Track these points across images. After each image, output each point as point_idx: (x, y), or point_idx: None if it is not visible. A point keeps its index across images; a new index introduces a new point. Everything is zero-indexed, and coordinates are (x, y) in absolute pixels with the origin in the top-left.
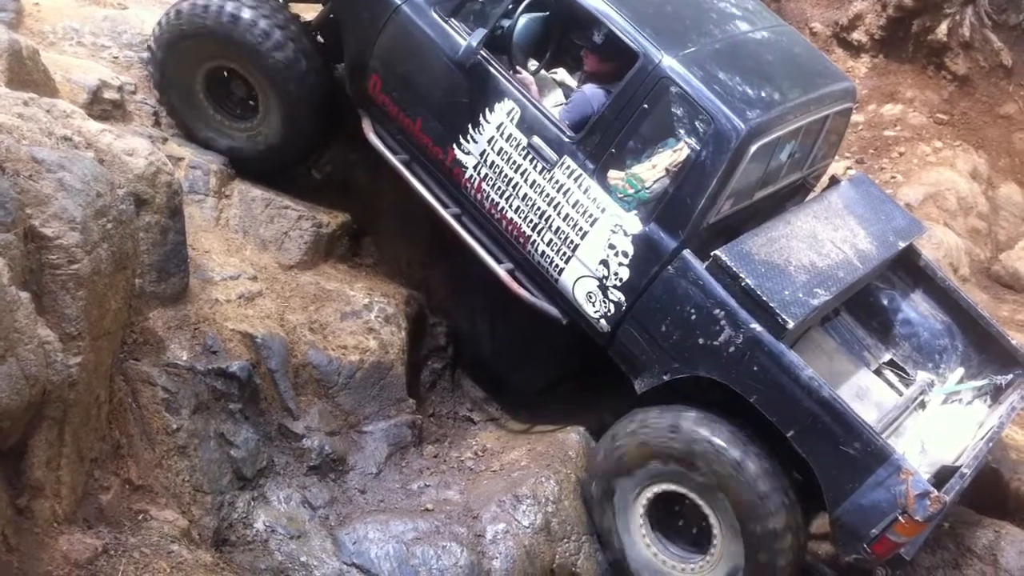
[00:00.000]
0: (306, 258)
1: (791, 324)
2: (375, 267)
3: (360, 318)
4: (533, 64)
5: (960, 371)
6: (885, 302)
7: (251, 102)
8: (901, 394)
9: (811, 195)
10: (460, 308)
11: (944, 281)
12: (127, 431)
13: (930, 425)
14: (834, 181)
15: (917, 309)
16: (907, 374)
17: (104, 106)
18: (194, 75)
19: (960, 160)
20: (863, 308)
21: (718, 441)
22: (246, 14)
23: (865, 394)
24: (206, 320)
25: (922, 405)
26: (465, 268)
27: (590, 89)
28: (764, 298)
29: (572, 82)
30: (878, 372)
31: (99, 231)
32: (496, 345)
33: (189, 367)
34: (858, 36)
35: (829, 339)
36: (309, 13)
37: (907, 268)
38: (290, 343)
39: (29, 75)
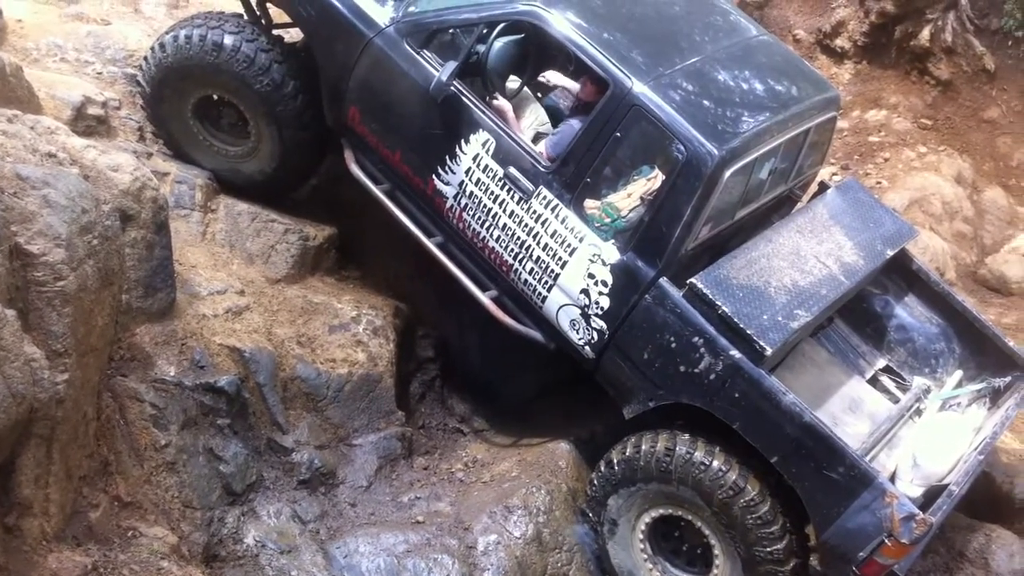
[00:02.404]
0: (293, 271)
1: (769, 351)
2: (362, 280)
3: (348, 331)
4: (515, 82)
5: (958, 374)
6: (879, 308)
7: (240, 124)
8: (897, 402)
9: (800, 204)
10: (448, 319)
11: (938, 285)
12: (115, 448)
13: (924, 435)
14: (823, 188)
15: (912, 314)
16: (903, 380)
17: (88, 122)
18: (185, 105)
19: (945, 165)
20: (857, 315)
21: (717, 464)
22: (228, 40)
23: (858, 405)
24: (193, 335)
25: (918, 412)
26: (452, 280)
27: (576, 122)
28: (741, 325)
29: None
30: (874, 379)
31: (84, 247)
32: (485, 355)
33: (177, 382)
34: (841, 42)
35: (821, 350)
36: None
37: (900, 272)
38: (278, 357)
39: (12, 92)
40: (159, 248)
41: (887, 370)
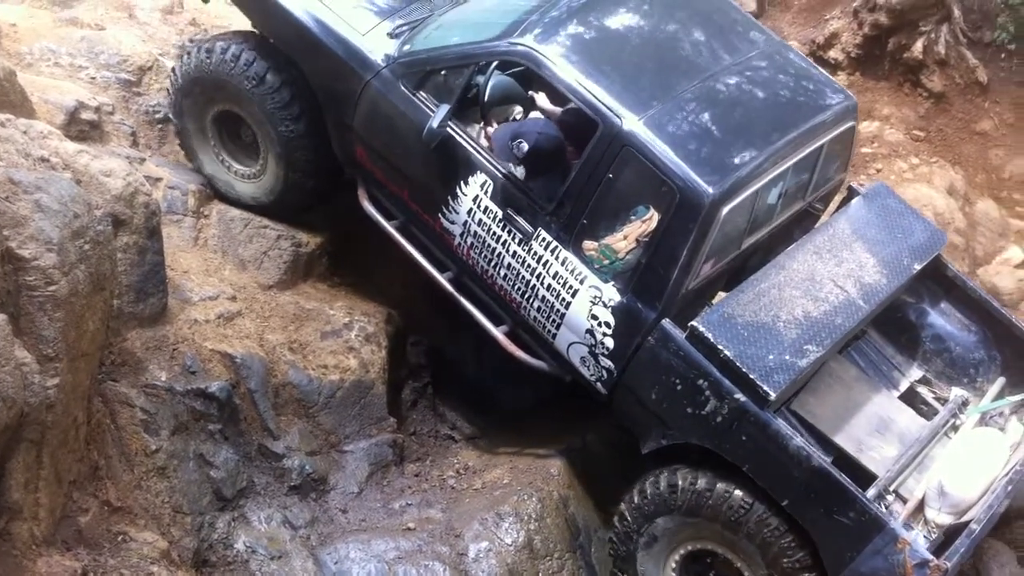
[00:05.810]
0: (285, 277)
1: (773, 395)
2: (355, 286)
3: (340, 337)
4: (518, 112)
5: (1000, 382)
6: (914, 317)
7: (253, 147)
8: (932, 418)
9: (827, 215)
10: (443, 326)
11: (975, 291)
12: (106, 452)
13: (954, 459)
14: (852, 193)
15: (949, 322)
16: (940, 392)
17: (81, 127)
18: (209, 110)
19: (937, 176)
20: (891, 324)
21: (795, 539)
22: (271, 78)
23: (887, 426)
24: (185, 340)
25: (954, 428)
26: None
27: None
28: (743, 369)
29: None
30: (909, 393)
31: (76, 252)
32: (482, 363)
33: (168, 388)
34: (834, 54)
35: (850, 367)
36: None
37: (935, 279)
38: (270, 363)
39: (6, 96)
40: (151, 253)
41: (924, 381)
